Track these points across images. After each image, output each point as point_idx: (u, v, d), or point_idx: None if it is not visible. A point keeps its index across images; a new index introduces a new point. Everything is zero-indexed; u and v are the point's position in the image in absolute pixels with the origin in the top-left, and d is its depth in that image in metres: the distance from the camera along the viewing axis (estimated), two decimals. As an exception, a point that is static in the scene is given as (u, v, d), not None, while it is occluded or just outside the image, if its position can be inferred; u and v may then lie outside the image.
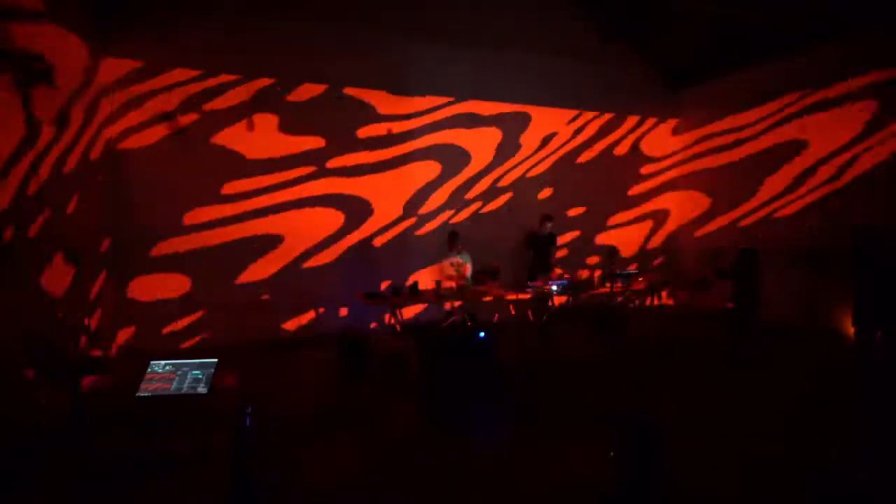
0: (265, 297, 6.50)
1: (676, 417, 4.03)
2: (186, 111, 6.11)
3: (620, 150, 8.83)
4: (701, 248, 8.54)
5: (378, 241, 7.17)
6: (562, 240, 8.01)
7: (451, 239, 6.41)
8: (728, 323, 6.25)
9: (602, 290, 6.43)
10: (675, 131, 9.20)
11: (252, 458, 2.95)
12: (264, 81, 6.46)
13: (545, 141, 8.22)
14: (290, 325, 6.72)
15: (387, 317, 6.62)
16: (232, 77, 6.32)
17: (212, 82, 6.23)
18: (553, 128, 8.27)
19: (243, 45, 6.35)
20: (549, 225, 6.95)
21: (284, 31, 6.50)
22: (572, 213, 8.46)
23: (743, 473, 3.17)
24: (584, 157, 8.54)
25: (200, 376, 2.54)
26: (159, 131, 6.00)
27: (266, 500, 2.89)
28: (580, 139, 8.50)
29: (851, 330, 5.61)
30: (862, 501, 2.91)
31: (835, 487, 3.02)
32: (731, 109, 8.15)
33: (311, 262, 6.81)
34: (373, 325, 6.95)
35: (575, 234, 8.46)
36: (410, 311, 7.06)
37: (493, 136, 7.87)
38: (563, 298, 6.81)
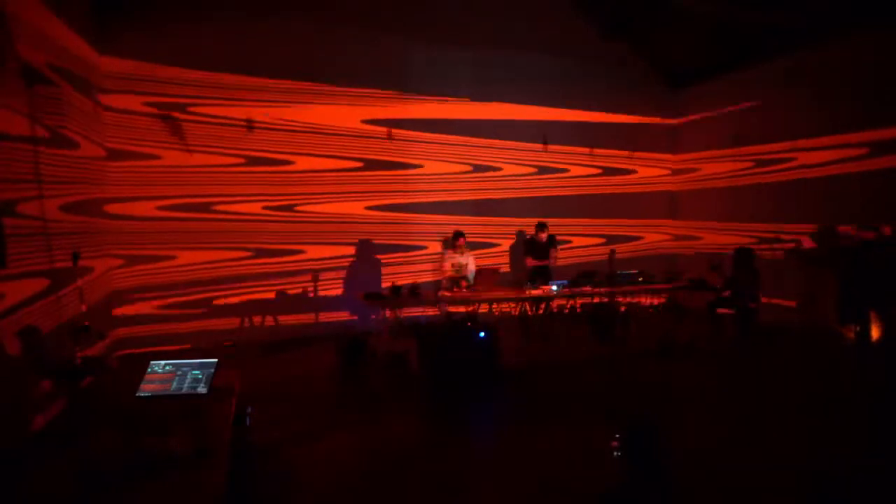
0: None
1: (677, 417, 4.03)
2: (184, 110, 6.11)
3: (619, 150, 8.83)
4: (700, 248, 8.54)
5: (378, 241, 7.17)
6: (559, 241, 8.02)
7: (455, 238, 6.41)
8: (730, 321, 6.27)
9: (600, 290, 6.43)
10: (675, 131, 9.19)
11: (252, 458, 2.95)
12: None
13: (544, 141, 8.20)
14: (290, 325, 6.71)
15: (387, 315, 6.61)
16: (231, 76, 6.31)
17: (210, 81, 6.23)
18: (552, 127, 8.26)
19: (243, 45, 6.35)
20: (544, 235, 6.95)
21: (284, 31, 6.50)
22: (569, 213, 8.45)
23: (744, 472, 3.16)
24: (582, 157, 8.53)
25: (200, 376, 2.53)
26: (156, 128, 5.99)
27: (266, 500, 2.88)
28: (579, 139, 8.49)
29: (842, 328, 5.68)
30: (861, 501, 2.90)
31: (834, 487, 3.02)
32: (731, 109, 8.14)
33: (310, 263, 6.81)
34: (372, 325, 6.94)
35: (573, 235, 8.45)
36: (411, 311, 7.05)
37: (492, 135, 7.86)
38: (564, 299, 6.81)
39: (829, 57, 6.65)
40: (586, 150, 8.51)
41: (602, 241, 8.62)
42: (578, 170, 8.49)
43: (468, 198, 7.72)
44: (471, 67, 7.58)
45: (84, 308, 3.92)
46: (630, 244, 8.88)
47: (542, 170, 8.22)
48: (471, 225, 7.51)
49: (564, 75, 8.14)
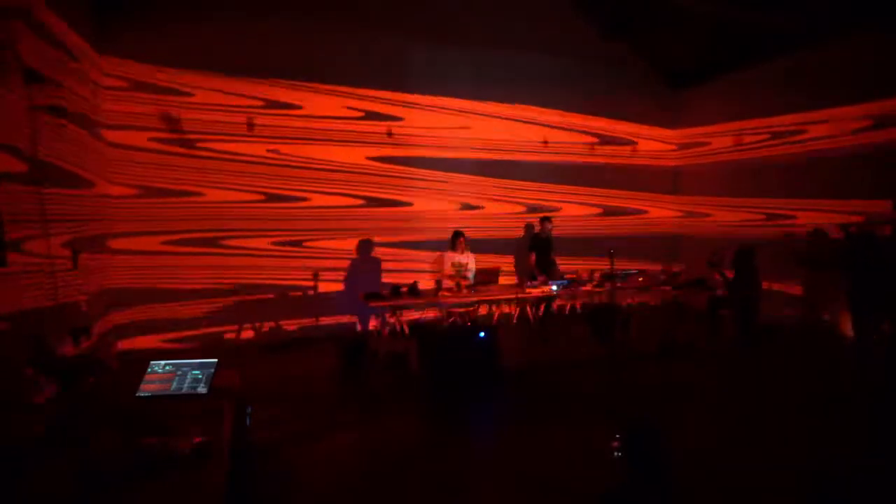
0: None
1: (677, 417, 4.03)
2: (184, 111, 6.11)
3: (620, 150, 8.82)
4: (700, 249, 8.53)
5: (378, 241, 7.17)
6: (560, 241, 8.05)
7: (455, 238, 6.41)
8: (730, 321, 6.27)
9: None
10: (676, 131, 9.19)
11: (252, 458, 2.95)
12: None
13: (544, 141, 8.20)
14: (291, 325, 6.71)
15: (387, 316, 6.61)
16: (231, 77, 6.31)
17: (210, 81, 6.23)
18: (553, 127, 8.25)
19: (243, 45, 6.35)
20: (549, 226, 6.97)
21: (284, 31, 6.50)
22: (571, 213, 8.45)
23: (744, 472, 3.16)
24: (583, 158, 8.52)
25: (200, 376, 2.53)
26: (156, 129, 6.00)
27: (266, 500, 2.88)
28: (579, 139, 8.48)
29: (850, 329, 5.64)
30: (861, 501, 2.90)
31: (835, 487, 3.02)
32: (732, 109, 8.15)
33: (312, 262, 6.82)
34: (372, 325, 6.94)
35: (574, 233, 8.44)
36: (411, 311, 7.05)
37: (493, 135, 7.86)
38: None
39: (829, 57, 6.65)
40: (588, 145, 8.51)
41: (600, 210, 8.66)
42: (578, 170, 8.48)
43: (469, 195, 7.71)
44: (471, 67, 7.59)
45: (84, 308, 3.93)
46: (628, 245, 8.85)
47: (541, 169, 8.21)
48: (472, 224, 7.53)
49: (564, 75, 8.14)
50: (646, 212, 9.09)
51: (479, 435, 3.99)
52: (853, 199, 6.36)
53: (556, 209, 8.17)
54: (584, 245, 8.09)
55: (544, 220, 7.05)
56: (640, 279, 6.72)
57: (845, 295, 5.69)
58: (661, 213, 9.21)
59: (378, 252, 7.15)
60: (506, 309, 7.12)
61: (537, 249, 7.04)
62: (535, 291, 6.26)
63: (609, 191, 8.72)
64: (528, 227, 7.85)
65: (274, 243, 6.62)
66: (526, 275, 7.06)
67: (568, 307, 7.10)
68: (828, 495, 2.97)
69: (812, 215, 6.85)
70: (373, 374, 5.17)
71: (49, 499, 1.64)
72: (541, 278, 6.50)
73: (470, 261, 6.40)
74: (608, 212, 8.73)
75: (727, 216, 8.29)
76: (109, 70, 5.71)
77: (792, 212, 7.19)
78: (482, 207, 7.82)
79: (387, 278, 6.95)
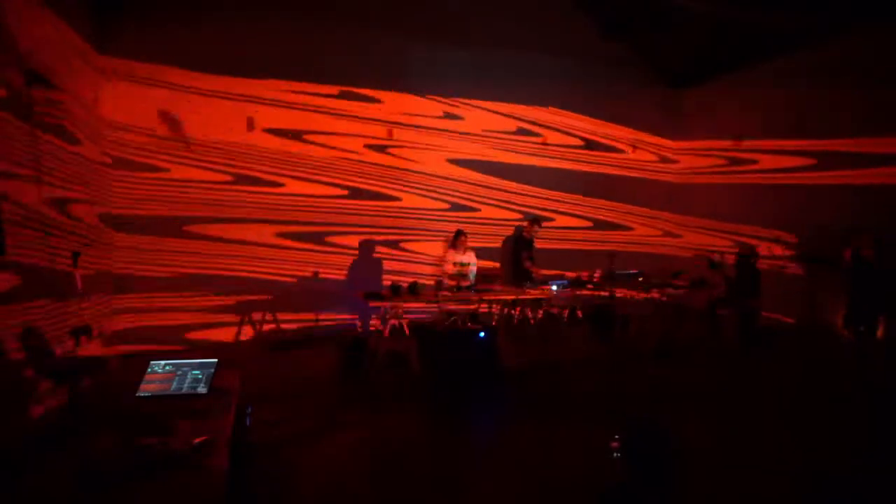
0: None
1: (677, 417, 4.03)
2: (185, 111, 6.11)
3: (620, 150, 8.82)
4: (699, 249, 8.54)
5: (378, 240, 7.17)
6: (560, 242, 8.07)
7: (457, 237, 6.41)
8: (732, 323, 6.28)
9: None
10: (676, 131, 9.19)
11: (252, 458, 2.95)
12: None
13: (544, 141, 8.20)
14: (290, 325, 6.71)
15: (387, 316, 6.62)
16: (231, 77, 6.31)
17: (211, 81, 6.23)
18: (552, 128, 8.25)
19: (243, 45, 6.35)
20: (537, 228, 6.98)
21: (284, 31, 6.51)
22: (570, 214, 8.45)
23: (744, 473, 3.16)
24: (583, 158, 8.52)
25: (200, 376, 2.53)
26: (157, 131, 6.00)
27: (266, 500, 2.88)
28: (579, 140, 8.48)
29: (845, 330, 5.65)
30: (861, 501, 2.91)
31: (834, 487, 3.02)
32: (732, 109, 8.15)
33: (312, 261, 6.82)
34: (372, 325, 6.94)
35: (573, 235, 8.45)
36: (411, 311, 7.05)
37: (493, 135, 7.86)
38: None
39: (829, 57, 6.65)
40: (583, 144, 8.50)
41: (600, 241, 8.61)
42: (578, 169, 8.48)
43: (469, 195, 7.72)
44: (471, 67, 7.58)
45: (84, 307, 3.93)
46: (629, 245, 8.84)
47: (541, 169, 8.22)
48: (472, 224, 7.53)
49: (564, 75, 8.14)
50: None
51: (480, 435, 3.99)
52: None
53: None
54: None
55: (534, 221, 7.09)
56: (640, 279, 6.72)
57: (845, 295, 5.70)
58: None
59: (379, 252, 7.16)
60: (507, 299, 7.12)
61: (527, 250, 7.05)
62: (534, 291, 6.26)
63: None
64: (518, 229, 7.81)
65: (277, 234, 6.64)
66: (514, 275, 7.04)
67: (568, 307, 7.10)
68: (827, 495, 2.97)
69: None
70: (373, 374, 5.18)
71: (49, 499, 1.63)
72: (538, 279, 6.50)
73: (472, 260, 6.40)
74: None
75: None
76: (109, 70, 5.70)
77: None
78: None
79: (387, 277, 6.97)
